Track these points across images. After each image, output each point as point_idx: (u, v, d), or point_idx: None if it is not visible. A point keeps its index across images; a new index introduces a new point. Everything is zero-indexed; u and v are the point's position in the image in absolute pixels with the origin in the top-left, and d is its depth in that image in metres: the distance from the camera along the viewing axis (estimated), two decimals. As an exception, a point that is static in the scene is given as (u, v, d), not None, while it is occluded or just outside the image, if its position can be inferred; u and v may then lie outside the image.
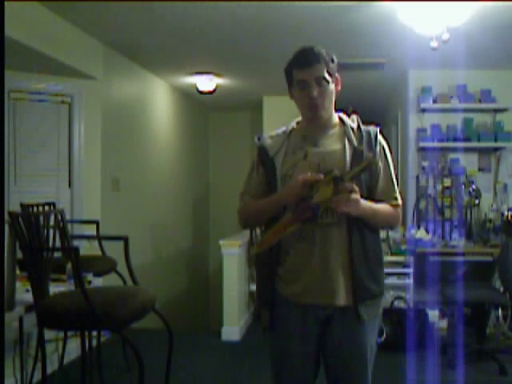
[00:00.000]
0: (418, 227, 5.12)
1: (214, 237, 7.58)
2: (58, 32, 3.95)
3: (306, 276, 1.80)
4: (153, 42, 4.61)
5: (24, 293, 2.80)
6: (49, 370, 2.94)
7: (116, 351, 3.70)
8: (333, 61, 1.85)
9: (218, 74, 5.74)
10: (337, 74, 1.87)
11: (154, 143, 5.93)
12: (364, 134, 1.88)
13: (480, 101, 5.31)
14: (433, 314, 4.58)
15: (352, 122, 1.92)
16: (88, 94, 4.53)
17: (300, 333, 1.85)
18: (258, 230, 2.07)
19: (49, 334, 3.20)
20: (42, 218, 2.50)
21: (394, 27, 3.99)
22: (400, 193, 1.96)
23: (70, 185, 4.51)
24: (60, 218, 3.29)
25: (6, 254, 2.51)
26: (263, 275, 1.92)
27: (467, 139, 5.25)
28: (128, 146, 5.22)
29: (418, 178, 5.37)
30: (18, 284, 2.82)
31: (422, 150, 5.38)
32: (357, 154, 1.82)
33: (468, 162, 5.37)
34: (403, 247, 4.85)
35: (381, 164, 1.88)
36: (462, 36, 3.99)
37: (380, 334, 4.07)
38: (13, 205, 3.76)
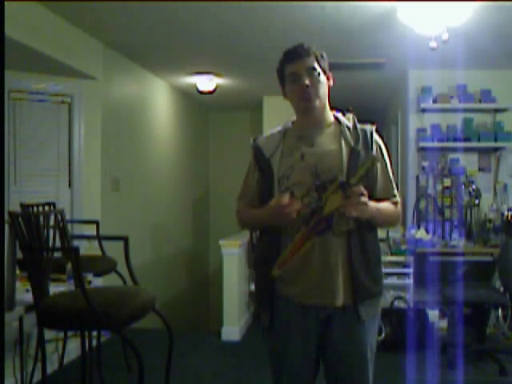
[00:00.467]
0: (418, 227, 5.12)
1: (214, 237, 7.58)
2: (58, 32, 3.95)
3: (306, 277, 1.80)
4: (153, 42, 4.61)
5: (24, 293, 2.80)
6: (49, 370, 2.95)
7: (116, 351, 3.70)
8: (323, 56, 1.86)
9: (217, 74, 5.74)
10: (328, 71, 1.88)
11: (154, 143, 5.93)
12: (360, 133, 1.87)
13: (480, 101, 5.31)
14: (433, 314, 4.58)
15: (348, 120, 1.91)
16: (88, 93, 4.53)
17: (300, 333, 1.85)
18: (258, 231, 2.07)
19: (49, 334, 3.21)
20: (42, 218, 2.51)
21: (394, 27, 3.99)
22: (400, 192, 1.97)
23: (70, 185, 4.51)
24: (60, 218, 3.29)
25: (5, 254, 2.51)
26: (262, 276, 1.92)
27: (467, 139, 5.25)
28: (128, 145, 5.22)
29: (418, 178, 5.37)
30: (18, 284, 2.82)
31: (422, 149, 5.38)
32: (354, 153, 1.82)
33: (468, 162, 5.37)
34: (403, 247, 4.85)
35: (378, 163, 1.88)
36: (462, 36, 3.99)
37: (379, 332, 4.07)
38: (13, 205, 3.76)
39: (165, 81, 6.16)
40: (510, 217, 4.79)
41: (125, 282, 3.45)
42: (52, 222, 2.92)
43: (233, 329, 4.69)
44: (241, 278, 4.89)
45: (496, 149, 5.35)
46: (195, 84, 5.92)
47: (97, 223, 3.85)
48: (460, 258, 4.76)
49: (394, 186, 1.93)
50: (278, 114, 6.55)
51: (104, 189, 4.68)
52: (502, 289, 4.15)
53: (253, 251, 4.99)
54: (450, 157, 5.35)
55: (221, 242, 4.79)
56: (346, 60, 5.00)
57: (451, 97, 5.31)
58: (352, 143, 1.84)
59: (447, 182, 5.25)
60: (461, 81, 5.28)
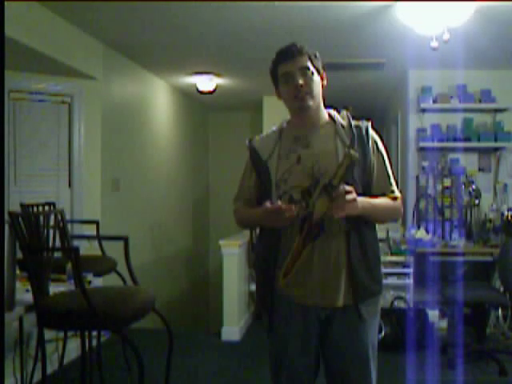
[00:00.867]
0: (418, 227, 5.12)
1: (214, 237, 7.58)
2: (58, 32, 3.95)
3: (306, 278, 1.80)
4: (153, 42, 4.61)
5: (24, 293, 2.79)
6: (49, 370, 2.94)
7: (116, 351, 3.70)
8: (316, 56, 1.86)
9: (218, 74, 5.74)
10: (322, 70, 1.87)
11: (154, 143, 5.93)
12: (355, 130, 1.86)
13: (480, 101, 5.31)
14: (433, 314, 4.59)
15: (342, 119, 1.91)
16: (88, 93, 4.53)
17: (300, 332, 1.86)
18: (258, 230, 2.08)
19: (49, 334, 3.20)
20: (42, 218, 2.50)
21: (394, 27, 3.99)
22: (400, 191, 1.96)
23: (70, 185, 4.51)
24: (60, 218, 3.28)
25: (5, 254, 2.51)
26: (263, 277, 1.93)
27: (467, 139, 5.25)
28: (128, 145, 5.22)
29: (417, 178, 5.37)
30: (18, 284, 2.81)
31: (422, 149, 5.38)
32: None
33: (468, 162, 5.37)
34: (403, 247, 4.85)
35: (374, 159, 1.87)
36: (462, 36, 3.99)
37: (379, 330, 4.07)
38: (13, 205, 3.76)
39: (165, 81, 6.16)
40: (510, 217, 4.80)
41: (125, 282, 3.45)
42: (52, 222, 2.91)
43: (233, 329, 4.69)
44: (241, 278, 4.89)
45: (496, 149, 5.35)
46: (195, 84, 5.92)
47: (97, 223, 3.84)
48: (460, 258, 4.76)
49: (393, 180, 1.92)
50: (277, 114, 6.52)
51: (104, 189, 4.68)
52: (501, 289, 4.15)
53: (253, 251, 4.99)
54: (450, 157, 5.35)
55: (221, 242, 4.79)
56: (347, 60, 5.00)
57: (451, 97, 5.31)
58: (347, 142, 1.83)
59: (447, 182, 5.25)
60: (461, 81, 5.28)
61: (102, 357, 3.31)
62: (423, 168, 5.37)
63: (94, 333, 3.17)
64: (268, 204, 1.72)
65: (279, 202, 1.71)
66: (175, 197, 6.66)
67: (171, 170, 6.51)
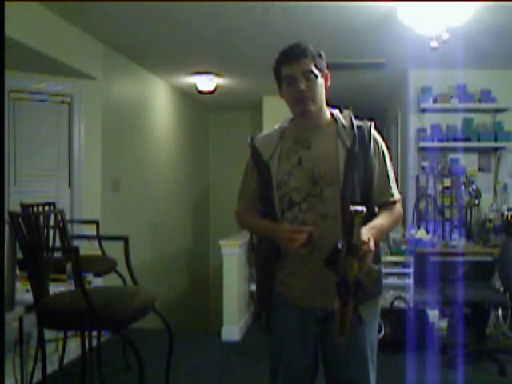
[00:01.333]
0: (418, 227, 5.12)
1: (214, 237, 7.58)
2: (58, 32, 3.95)
3: (306, 280, 1.80)
4: (152, 42, 4.61)
5: (24, 293, 2.80)
6: (49, 370, 2.94)
7: (116, 351, 3.70)
8: (320, 56, 1.84)
9: (218, 74, 5.74)
10: (326, 70, 1.85)
11: (154, 143, 5.93)
12: (357, 131, 1.84)
13: (480, 101, 5.31)
14: (433, 314, 4.59)
15: (344, 119, 1.89)
16: (88, 93, 4.53)
17: (298, 333, 1.86)
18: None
19: (49, 334, 3.20)
20: (42, 218, 2.50)
21: (394, 27, 3.99)
22: (400, 193, 1.96)
23: (70, 185, 4.51)
24: (60, 217, 3.29)
25: (5, 254, 2.51)
26: (263, 277, 1.93)
27: (467, 139, 5.25)
28: (128, 145, 5.22)
29: (418, 178, 5.37)
30: (18, 284, 2.81)
31: (422, 149, 5.38)
32: (350, 155, 1.80)
33: (468, 162, 5.37)
34: (403, 247, 4.85)
35: (375, 161, 1.86)
36: (462, 36, 3.99)
37: (379, 330, 4.07)
38: (13, 205, 3.76)
39: (165, 81, 6.16)
40: (510, 217, 4.79)
41: (125, 282, 3.45)
42: (52, 222, 2.92)
43: (233, 329, 4.69)
44: (241, 278, 4.89)
45: (496, 149, 5.35)
46: (195, 84, 5.92)
47: (97, 223, 3.85)
48: (460, 258, 4.76)
49: (393, 183, 1.90)
50: (277, 114, 6.50)
51: (104, 189, 4.68)
52: (502, 289, 4.15)
53: (253, 251, 4.99)
54: (450, 157, 5.35)
55: (221, 242, 4.79)
56: (346, 60, 5.00)
57: (451, 97, 5.31)
58: (348, 144, 1.81)
59: (447, 182, 5.25)
60: (461, 81, 5.28)
61: (102, 357, 3.31)
62: (423, 168, 5.37)
63: (94, 333, 3.18)
64: (286, 225, 1.72)
65: (286, 226, 1.72)
66: (175, 197, 6.66)
67: (171, 170, 6.51)
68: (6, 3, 2.11)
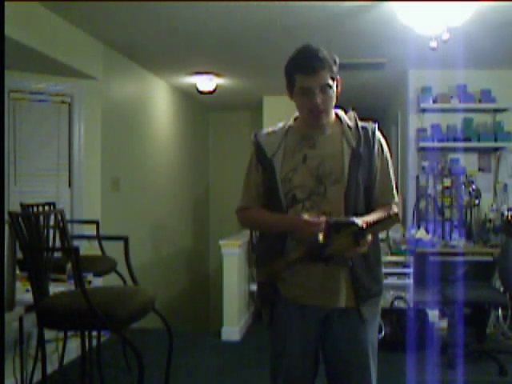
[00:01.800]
0: (418, 227, 5.12)
1: (214, 237, 7.58)
2: (58, 32, 3.95)
3: (307, 279, 1.80)
4: (152, 42, 4.61)
5: (24, 293, 2.80)
6: (49, 370, 2.94)
7: (116, 351, 3.70)
8: (335, 62, 1.81)
9: (218, 74, 5.74)
10: (337, 76, 1.83)
11: (154, 143, 5.93)
12: (362, 132, 1.85)
13: (480, 101, 5.31)
14: (433, 314, 4.59)
15: (349, 119, 1.90)
16: (88, 94, 4.53)
17: (299, 332, 1.86)
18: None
19: (49, 334, 3.20)
20: (42, 218, 2.51)
21: (394, 27, 3.99)
22: (400, 193, 1.96)
23: (70, 185, 4.51)
24: (60, 218, 3.29)
25: (5, 254, 2.51)
26: (264, 275, 1.92)
27: (467, 139, 5.25)
28: (128, 145, 5.22)
29: (418, 178, 5.37)
30: (18, 284, 2.82)
31: (422, 149, 5.38)
32: (355, 156, 1.81)
33: (468, 162, 5.37)
34: (403, 247, 4.85)
35: (378, 162, 1.87)
36: (462, 36, 3.99)
37: (379, 330, 4.07)
38: (13, 205, 3.77)
39: (165, 81, 6.16)
40: (510, 217, 4.79)
41: (125, 282, 3.45)
42: (52, 222, 2.92)
43: (233, 329, 4.69)
44: (241, 278, 4.89)
45: (496, 149, 5.35)
46: (195, 84, 5.92)
47: (97, 223, 3.85)
48: (460, 258, 4.76)
49: (394, 185, 1.92)
50: (277, 114, 6.53)
51: (104, 189, 4.68)
52: (502, 289, 4.15)
53: (253, 251, 4.99)
54: (450, 157, 5.35)
55: (221, 242, 4.79)
56: (346, 60, 5.00)
57: (451, 97, 5.31)
58: (353, 144, 1.83)
59: (447, 182, 5.25)
60: (461, 81, 5.28)
61: (102, 357, 3.31)
62: (423, 168, 5.37)
63: (94, 333, 3.18)
64: (305, 216, 1.71)
65: (306, 216, 1.71)
66: (175, 197, 6.66)
67: (171, 170, 6.51)
68: (5, 3, 2.11)
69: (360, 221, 1.67)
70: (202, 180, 7.99)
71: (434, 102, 5.33)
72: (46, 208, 3.34)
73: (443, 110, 5.32)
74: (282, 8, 3.69)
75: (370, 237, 1.66)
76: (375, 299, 1.88)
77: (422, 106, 5.32)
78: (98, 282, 3.36)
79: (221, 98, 6.94)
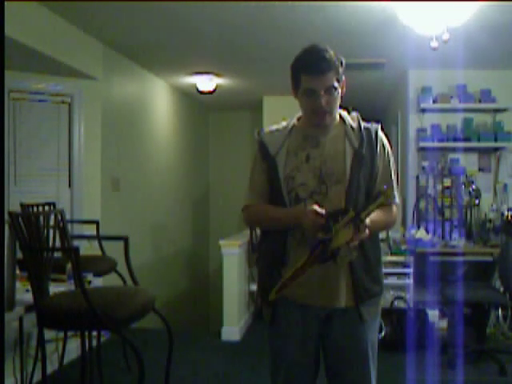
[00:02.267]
0: (418, 227, 5.12)
1: (214, 237, 7.58)
2: (58, 32, 3.95)
3: (308, 279, 1.79)
4: (153, 42, 4.61)
5: (24, 293, 2.80)
6: (49, 370, 2.95)
7: (116, 351, 3.70)
8: (341, 64, 1.82)
9: (218, 74, 5.74)
10: (343, 77, 1.83)
11: (154, 143, 5.94)
12: (364, 132, 1.86)
13: (480, 101, 5.31)
14: (433, 314, 4.58)
15: (352, 120, 1.90)
16: (88, 93, 4.53)
17: (299, 331, 1.86)
18: (258, 230, 2.07)
19: (49, 334, 3.20)
20: (42, 218, 2.51)
21: (394, 27, 3.99)
22: (400, 192, 1.96)
23: (70, 185, 4.51)
24: (60, 218, 3.29)
25: (5, 254, 2.51)
26: (265, 274, 1.92)
27: (467, 139, 5.25)
28: (128, 145, 5.22)
29: (418, 178, 5.37)
30: (18, 284, 2.81)
31: (422, 149, 5.38)
32: (357, 156, 1.81)
33: (468, 162, 5.37)
34: (403, 247, 4.85)
35: (380, 163, 1.87)
36: (462, 36, 3.99)
37: (379, 330, 4.07)
38: (13, 205, 3.77)
39: (165, 81, 6.16)
40: (510, 217, 4.80)
41: (125, 281, 3.45)
42: (52, 222, 2.92)
43: (233, 329, 4.69)
44: (241, 278, 4.89)
45: (496, 149, 5.35)
46: (195, 84, 5.92)
47: (97, 223, 3.85)
48: (460, 258, 4.76)
49: (395, 187, 1.92)
50: (278, 114, 6.52)
51: (104, 189, 4.68)
52: (501, 289, 4.15)
53: (253, 251, 4.99)
54: (450, 157, 5.35)
55: (221, 242, 4.79)
56: (347, 60, 4.99)
57: (451, 97, 5.31)
58: (356, 145, 1.83)
59: (447, 182, 5.25)
60: (461, 81, 5.28)
61: (102, 357, 3.31)
62: (423, 168, 5.37)
63: (94, 333, 3.18)
64: (316, 207, 1.69)
65: (315, 207, 1.69)
66: (175, 197, 6.66)
67: (171, 170, 6.52)
68: (5, 3, 2.11)
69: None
70: (201, 180, 7.99)
71: (434, 102, 5.33)
72: (46, 208, 3.34)
73: (443, 110, 5.32)
74: (282, 8, 3.69)
75: (368, 221, 1.65)
76: (375, 299, 1.88)
77: (422, 105, 5.32)
78: (98, 281, 3.36)
79: (221, 98, 6.94)
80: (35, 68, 4.18)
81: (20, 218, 2.33)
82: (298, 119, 1.93)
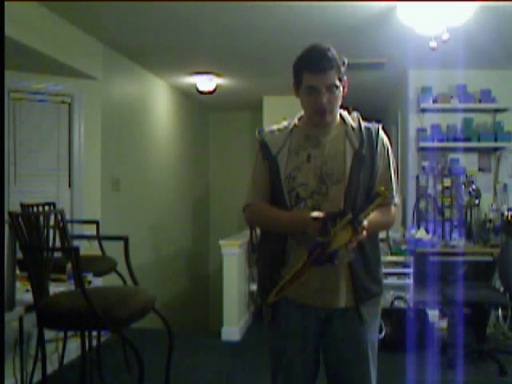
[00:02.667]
0: (418, 227, 5.12)
1: (214, 237, 7.58)
2: (58, 32, 3.95)
3: (308, 279, 1.79)
4: (153, 42, 4.61)
5: (24, 293, 2.80)
6: (49, 370, 2.95)
7: (116, 351, 3.70)
8: (344, 63, 1.82)
9: (218, 74, 5.74)
10: (344, 77, 1.84)
11: (154, 143, 5.94)
12: (365, 133, 1.86)
13: (480, 101, 5.31)
14: (433, 314, 4.59)
15: (353, 120, 1.90)
16: (88, 93, 4.53)
17: (299, 331, 1.86)
18: (258, 230, 2.06)
19: (49, 334, 3.20)
20: (42, 218, 2.51)
21: (394, 27, 3.99)
22: (400, 193, 1.96)
23: (70, 185, 4.51)
24: (60, 218, 3.29)
25: (5, 254, 2.51)
26: (265, 275, 1.92)
27: (467, 139, 5.25)
28: (128, 145, 5.22)
29: (418, 178, 5.37)
30: (18, 284, 2.81)
31: (422, 150, 5.38)
32: (357, 157, 1.81)
33: (468, 162, 5.37)
34: (403, 247, 4.85)
35: (380, 163, 1.87)
36: (462, 36, 3.99)
37: (379, 330, 4.07)
38: (13, 205, 3.76)
39: (165, 81, 6.16)
40: (510, 217, 4.80)
41: (125, 281, 3.45)
42: (52, 222, 2.92)
43: (233, 329, 4.69)
44: (241, 278, 4.89)
45: (496, 149, 5.35)
46: (195, 84, 5.92)
47: (97, 223, 3.85)
48: (460, 258, 4.76)
49: (395, 187, 1.92)
50: (278, 114, 6.52)
51: (104, 189, 4.68)
52: (501, 289, 4.15)
53: (253, 251, 4.99)
54: (450, 157, 5.35)
55: (221, 242, 4.79)
56: (346, 60, 5.00)
57: (451, 97, 5.31)
58: (356, 146, 1.83)
59: (447, 182, 5.26)
60: (461, 81, 5.28)
61: (102, 357, 3.31)
62: (423, 168, 5.37)
63: (94, 333, 3.18)
64: (314, 214, 1.68)
65: (314, 214, 1.69)
66: (175, 197, 6.66)
67: (171, 170, 6.52)
68: (6, 3, 2.11)
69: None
70: (201, 180, 7.99)
71: (434, 101, 5.33)
72: (46, 208, 3.34)
73: (443, 110, 5.32)
74: (282, 8, 3.69)
75: (365, 222, 1.65)
76: (375, 299, 1.88)
77: (422, 105, 5.32)
78: (98, 281, 3.36)
79: (221, 98, 6.94)
80: (35, 68, 4.18)
81: (20, 218, 2.33)
82: (299, 119, 1.93)
